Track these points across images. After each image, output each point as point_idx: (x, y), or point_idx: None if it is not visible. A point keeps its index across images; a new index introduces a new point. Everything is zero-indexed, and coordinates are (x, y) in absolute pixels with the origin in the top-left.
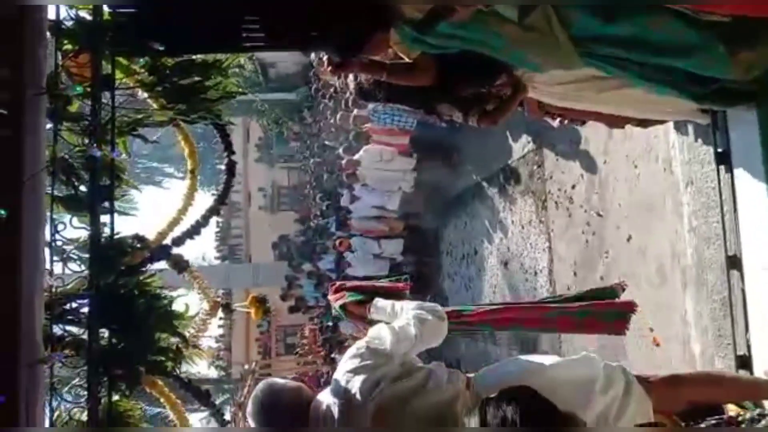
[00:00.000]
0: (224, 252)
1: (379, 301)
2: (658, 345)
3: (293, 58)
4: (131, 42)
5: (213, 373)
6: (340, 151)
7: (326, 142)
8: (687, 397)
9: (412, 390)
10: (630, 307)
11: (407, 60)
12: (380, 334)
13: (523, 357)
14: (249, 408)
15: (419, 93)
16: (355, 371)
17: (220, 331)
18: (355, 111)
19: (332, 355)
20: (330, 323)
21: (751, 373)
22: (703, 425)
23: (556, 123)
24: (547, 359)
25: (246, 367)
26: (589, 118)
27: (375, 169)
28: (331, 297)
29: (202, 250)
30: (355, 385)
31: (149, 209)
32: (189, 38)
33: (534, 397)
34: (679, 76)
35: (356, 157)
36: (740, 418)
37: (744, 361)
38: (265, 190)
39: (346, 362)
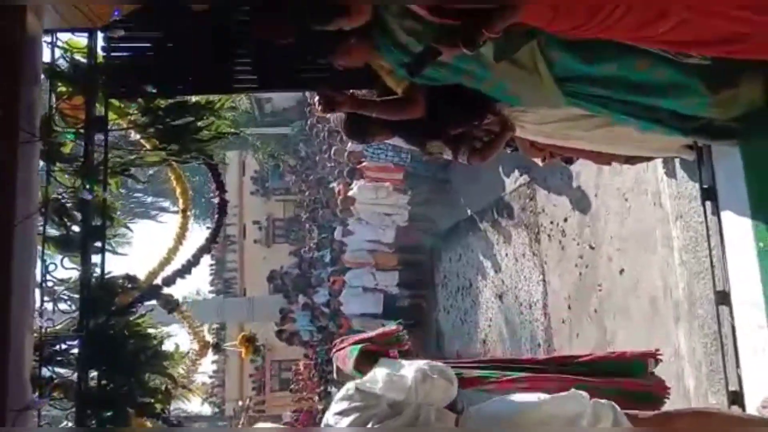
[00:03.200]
0: (219, 286)
1: (385, 360)
2: None
3: (288, 93)
4: (124, 84)
5: (206, 410)
6: (335, 184)
7: (321, 176)
8: None
9: (399, 430)
10: (664, 392)
11: (397, 95)
12: (374, 377)
13: (512, 396)
14: None
15: (410, 128)
16: (343, 413)
17: (214, 366)
18: (350, 145)
19: (328, 390)
20: (325, 359)
21: (743, 408)
22: None
23: (540, 162)
24: (536, 396)
25: (240, 403)
26: (578, 156)
27: (370, 204)
28: (337, 360)
29: (196, 284)
30: (344, 425)
31: (144, 244)
32: (181, 80)
33: None
34: (663, 113)
35: (350, 193)
36: None
37: (736, 397)
38: (260, 223)
39: (335, 404)
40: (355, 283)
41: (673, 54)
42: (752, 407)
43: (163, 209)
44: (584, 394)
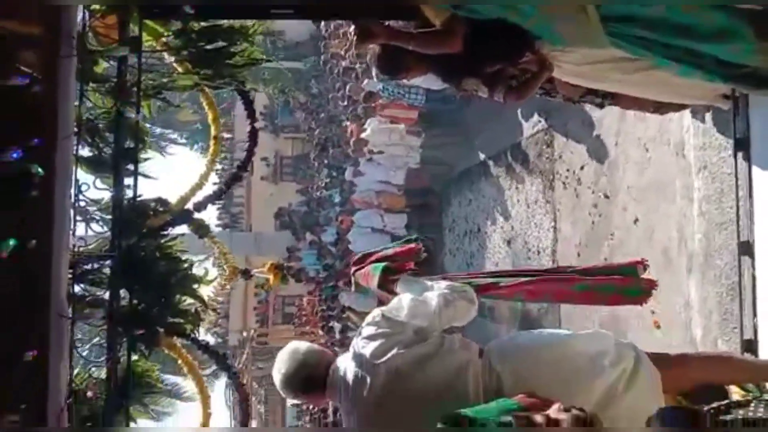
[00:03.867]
0: (225, 220)
1: (406, 278)
2: (658, 327)
3: (303, 27)
4: (159, 4)
5: (210, 340)
6: (347, 123)
7: (333, 114)
8: (694, 378)
9: (424, 355)
10: (653, 285)
11: (435, 27)
12: (399, 304)
13: (536, 331)
14: (275, 365)
15: (446, 64)
16: (370, 338)
17: (219, 299)
18: (366, 83)
19: (330, 325)
20: (330, 295)
21: (757, 356)
22: (713, 407)
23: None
24: (561, 333)
25: (244, 334)
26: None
27: (382, 146)
28: (359, 277)
29: (204, 216)
30: (369, 350)
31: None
32: (217, 2)
33: None
34: (706, 59)
35: (363, 135)
36: (753, 400)
37: (750, 345)
38: (268, 159)
39: (362, 329)
40: (364, 223)
41: None
42: (766, 355)
43: (172, 141)
44: (608, 333)
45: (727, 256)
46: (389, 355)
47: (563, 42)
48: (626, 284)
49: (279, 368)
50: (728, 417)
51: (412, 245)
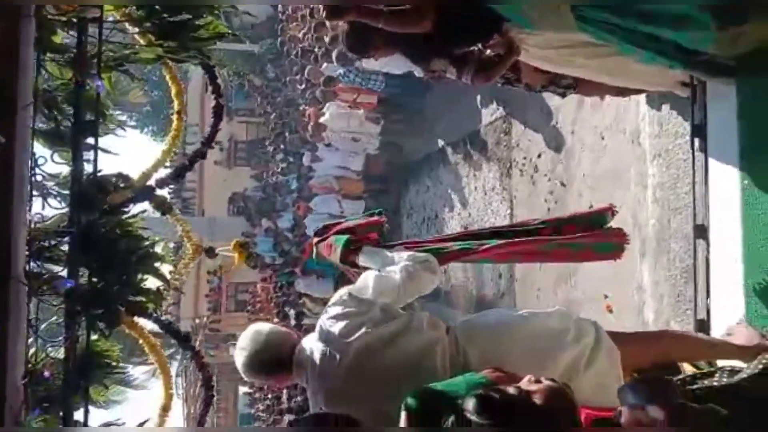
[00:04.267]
0: (177, 205)
1: (368, 249)
2: (611, 311)
3: (260, 8)
4: None
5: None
6: (305, 107)
7: (290, 98)
8: (653, 353)
9: (393, 333)
10: (624, 239)
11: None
12: (365, 283)
13: (501, 309)
14: (238, 347)
15: (415, 45)
16: (336, 317)
17: (183, 277)
18: (324, 66)
19: (286, 313)
20: (286, 281)
21: (709, 335)
22: (679, 379)
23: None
24: (523, 312)
25: (197, 321)
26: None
27: (341, 131)
28: (321, 248)
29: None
30: (337, 329)
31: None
32: None
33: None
34: (668, 45)
35: (322, 120)
36: (716, 371)
37: (702, 325)
38: (221, 143)
39: (329, 309)
40: (321, 209)
41: None
42: (718, 334)
43: (121, 123)
44: (569, 312)
45: (681, 240)
46: (358, 333)
47: (531, 25)
48: (598, 240)
49: (242, 350)
50: (694, 387)
51: (376, 218)
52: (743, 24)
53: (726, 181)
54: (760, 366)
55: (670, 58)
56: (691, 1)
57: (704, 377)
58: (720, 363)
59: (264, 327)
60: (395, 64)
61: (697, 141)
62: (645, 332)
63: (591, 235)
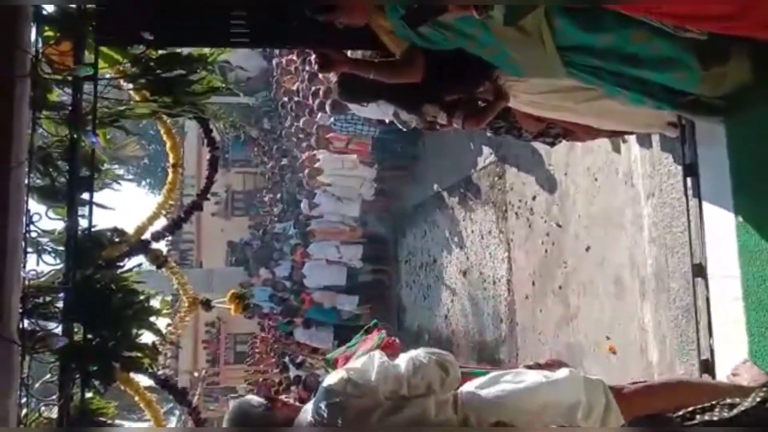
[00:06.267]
0: (174, 257)
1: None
2: (614, 353)
3: (254, 61)
4: (116, 31)
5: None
6: (299, 154)
7: (286, 148)
8: (657, 406)
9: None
10: None
11: (395, 57)
12: (366, 366)
13: (508, 377)
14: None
15: (406, 92)
16: (336, 405)
17: (179, 331)
18: (319, 117)
19: (286, 364)
20: (286, 331)
21: (713, 376)
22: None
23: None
24: (531, 377)
25: (196, 374)
26: (570, 129)
27: (336, 176)
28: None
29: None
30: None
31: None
32: (175, 31)
33: None
34: (654, 87)
35: (317, 165)
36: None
37: (707, 366)
38: (219, 194)
39: (325, 393)
40: (319, 255)
41: (672, 28)
42: (722, 375)
43: (119, 176)
44: (579, 376)
45: (680, 280)
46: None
47: (519, 71)
48: None
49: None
50: (694, 421)
51: (375, 333)
52: (726, 64)
53: (720, 220)
54: (758, 399)
55: (658, 99)
56: (671, 42)
57: (704, 412)
58: None
59: (246, 403)
60: (383, 111)
61: (689, 180)
62: (660, 384)
63: None
